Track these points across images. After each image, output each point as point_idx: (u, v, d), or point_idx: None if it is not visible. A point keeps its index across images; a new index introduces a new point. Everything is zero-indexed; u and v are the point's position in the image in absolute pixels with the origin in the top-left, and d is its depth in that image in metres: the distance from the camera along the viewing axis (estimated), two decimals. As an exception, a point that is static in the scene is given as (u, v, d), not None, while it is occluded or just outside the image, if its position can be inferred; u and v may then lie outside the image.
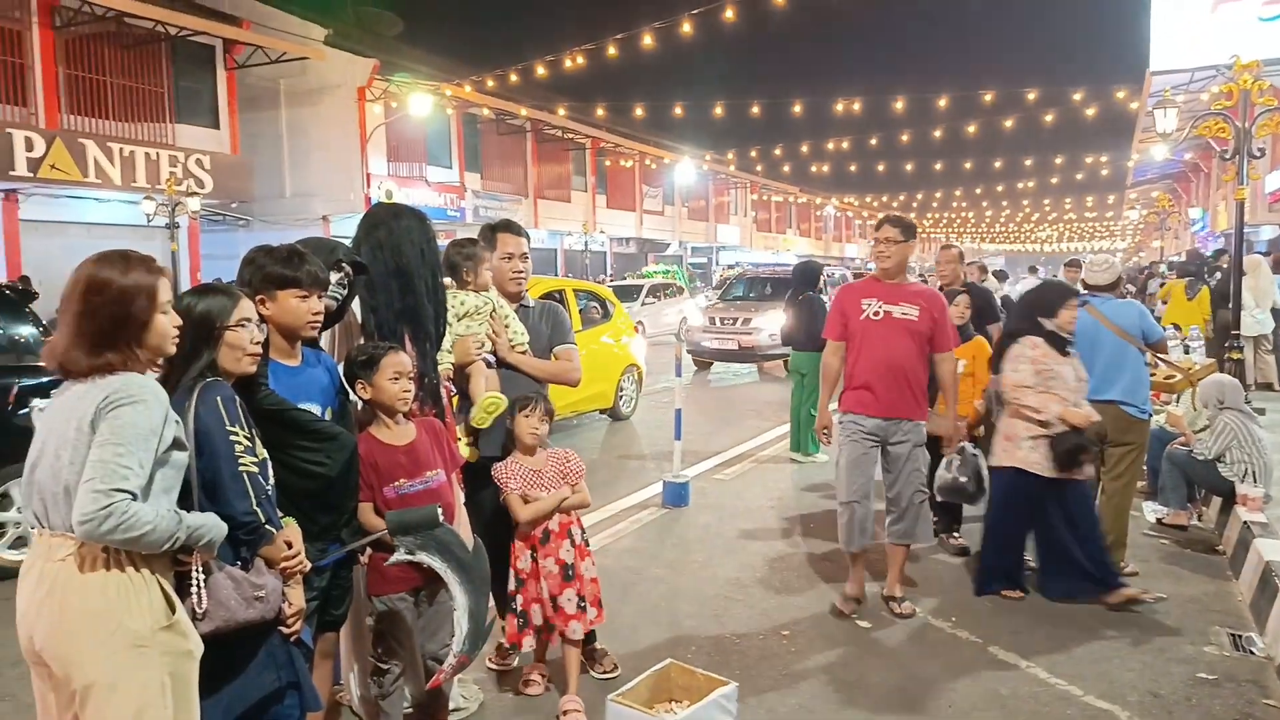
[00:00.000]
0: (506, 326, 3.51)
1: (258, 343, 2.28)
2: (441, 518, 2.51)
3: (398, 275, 3.05)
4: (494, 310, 3.47)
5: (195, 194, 18.12)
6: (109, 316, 1.91)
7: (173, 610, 1.93)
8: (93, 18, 17.23)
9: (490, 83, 21.85)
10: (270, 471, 2.22)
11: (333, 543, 2.57)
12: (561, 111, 26.32)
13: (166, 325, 2.00)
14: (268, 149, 23.22)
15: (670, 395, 11.07)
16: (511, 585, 3.40)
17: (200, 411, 2.05)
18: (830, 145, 30.25)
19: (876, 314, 4.30)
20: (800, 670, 3.79)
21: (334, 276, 2.82)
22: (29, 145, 16.07)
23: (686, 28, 17.13)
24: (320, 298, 2.61)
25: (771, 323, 13.64)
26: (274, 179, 23.21)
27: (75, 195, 17.58)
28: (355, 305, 3.08)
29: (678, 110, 24.09)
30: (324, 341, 2.96)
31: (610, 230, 35.35)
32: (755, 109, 23.84)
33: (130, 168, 17.73)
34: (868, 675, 3.74)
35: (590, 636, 3.68)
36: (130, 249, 2.04)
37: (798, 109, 23.54)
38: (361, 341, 3.01)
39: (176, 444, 1.94)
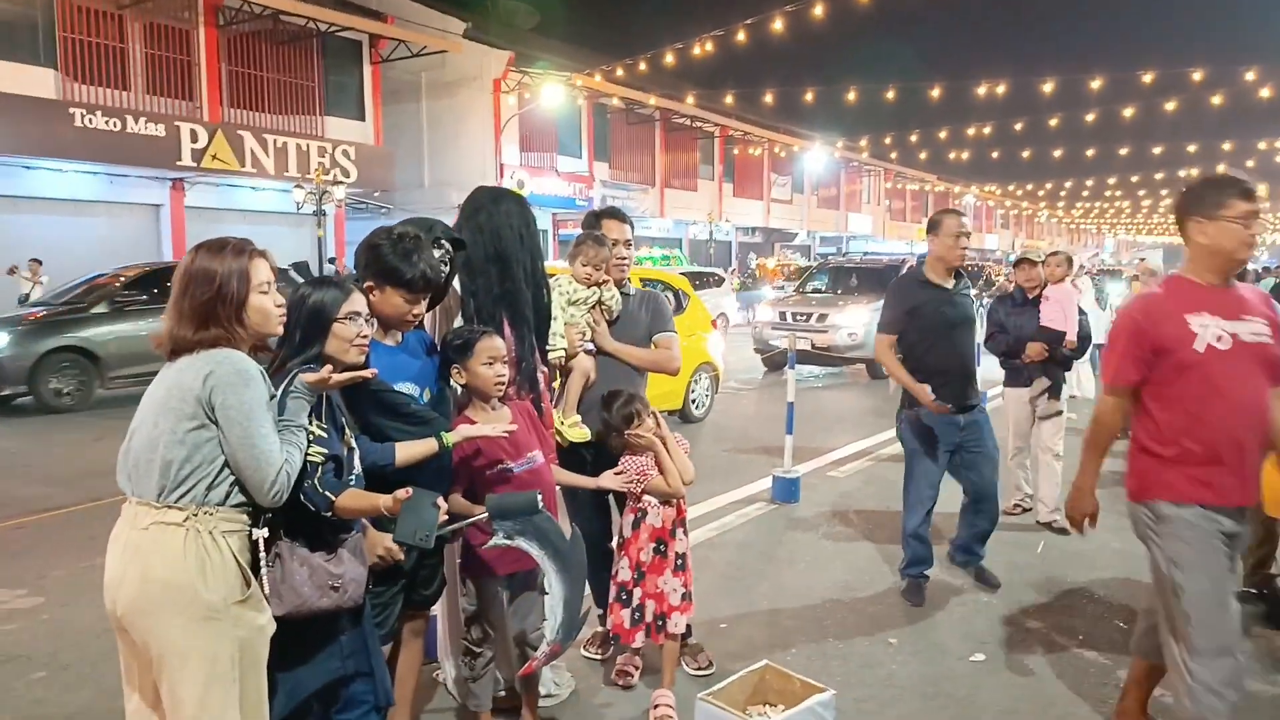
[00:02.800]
0: (607, 306, 3.50)
1: (365, 336, 2.34)
2: (541, 504, 2.50)
3: (497, 260, 3.07)
4: (599, 301, 3.47)
5: (340, 183, 19.06)
6: (207, 299, 2.00)
7: (248, 585, 2.00)
8: (252, 16, 18.36)
9: (620, 72, 21.96)
10: (355, 460, 2.26)
11: (424, 526, 2.61)
12: (690, 100, 26.21)
13: (266, 304, 2.08)
14: (408, 140, 24.20)
15: (743, 398, 11.20)
16: (626, 576, 3.34)
17: (284, 396, 2.11)
18: (970, 130, 28.92)
19: (1220, 339, 2.68)
20: (905, 682, 3.62)
21: (435, 254, 2.86)
22: (194, 137, 17.32)
23: (818, 10, 16.69)
24: (426, 299, 2.66)
25: (853, 320, 12.56)
26: (414, 169, 24.18)
27: (233, 184, 18.84)
28: (456, 285, 3.12)
29: (808, 96, 23.57)
30: (425, 322, 3.02)
31: (736, 219, 35.06)
32: (890, 93, 23.01)
33: (283, 158, 18.85)
34: (979, 693, 3.53)
35: (687, 630, 3.63)
36: (229, 236, 2.12)
37: (935, 92, 22.59)
38: (459, 324, 3.04)
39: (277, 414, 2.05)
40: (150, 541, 1.94)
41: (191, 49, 18.11)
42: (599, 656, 3.71)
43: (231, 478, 1.97)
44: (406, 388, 2.63)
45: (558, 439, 3.38)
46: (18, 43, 15.55)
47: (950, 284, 4.40)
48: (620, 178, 29.16)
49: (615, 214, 3.70)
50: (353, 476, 2.23)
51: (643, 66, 20.26)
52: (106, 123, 16.07)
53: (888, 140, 33.37)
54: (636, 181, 29.76)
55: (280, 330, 2.13)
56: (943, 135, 30.09)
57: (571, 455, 3.46)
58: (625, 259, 3.65)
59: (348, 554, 2.18)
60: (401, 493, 2.15)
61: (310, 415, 2.10)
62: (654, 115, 29.28)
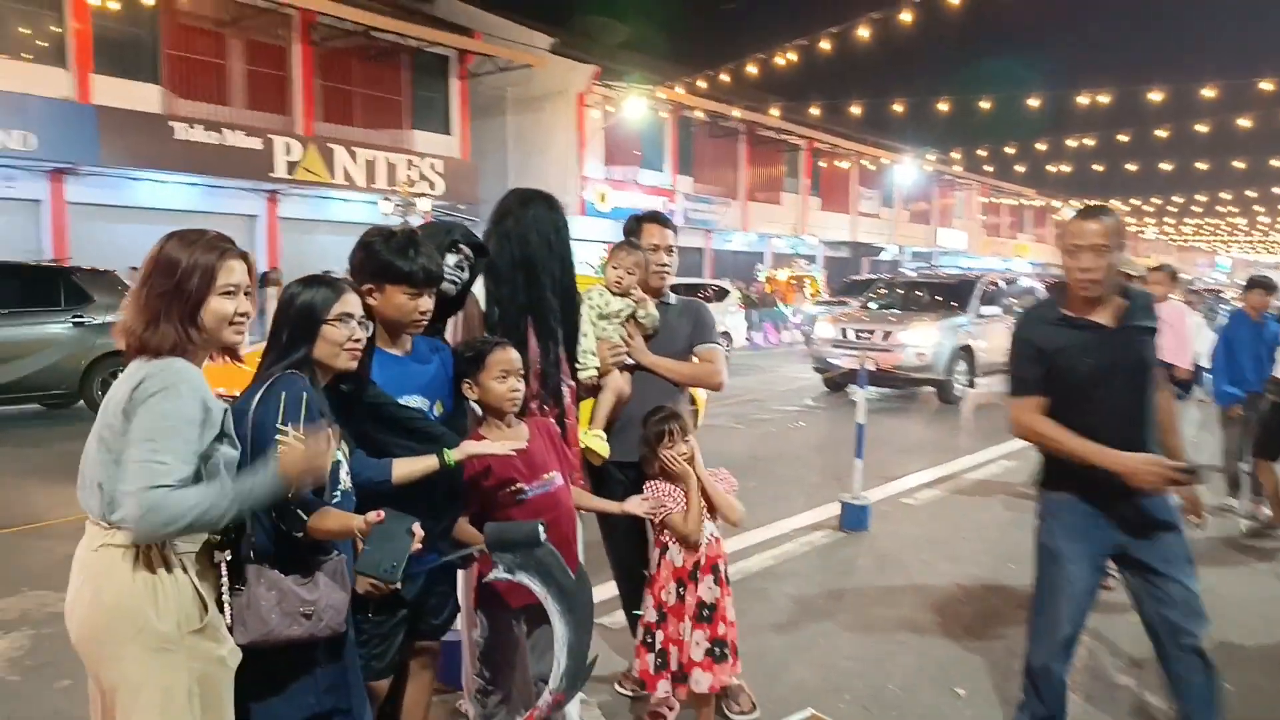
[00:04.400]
0: (645, 318, 3.25)
1: (358, 340, 2.15)
2: (544, 536, 2.27)
3: (523, 266, 2.87)
4: (634, 315, 3.22)
5: (425, 195, 19.38)
6: (163, 291, 1.83)
7: (206, 612, 1.82)
8: (344, 33, 18.90)
9: (702, 84, 21.72)
10: (342, 474, 2.07)
11: (430, 552, 2.41)
12: (775, 112, 25.80)
13: (224, 308, 1.88)
14: (493, 153, 24.52)
15: (803, 420, 10.47)
16: (651, 617, 3.05)
17: (259, 405, 1.94)
18: (1071, 142, 27.58)
19: None
20: (973, 739, 3.25)
21: (451, 259, 2.68)
22: (287, 150, 17.88)
23: (905, 17, 16.13)
24: (432, 295, 2.46)
25: (921, 339, 11.57)
26: (499, 182, 24.43)
27: (324, 196, 19.36)
28: (481, 293, 2.93)
29: (898, 107, 22.85)
30: (446, 333, 2.84)
31: (822, 233, 34.40)
32: (984, 103, 22.12)
33: (371, 171, 19.30)
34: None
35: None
36: (209, 228, 1.96)
37: (1034, 102, 21.61)
38: (484, 335, 2.84)
39: (226, 438, 1.83)
40: (100, 564, 1.78)
41: (286, 65, 18.74)
42: (631, 694, 3.45)
43: None
44: (414, 401, 2.44)
45: (587, 456, 3.15)
46: (126, 60, 16.33)
47: (1103, 316, 2.87)
48: (703, 190, 28.95)
49: (657, 218, 3.45)
50: (338, 493, 2.04)
51: (726, 78, 19.96)
52: (205, 135, 16.69)
53: (982, 152, 32.21)
54: (719, 194, 29.49)
55: (239, 340, 1.94)
56: (1042, 147, 28.82)
57: (608, 478, 3.23)
58: (666, 266, 3.40)
59: (325, 578, 1.97)
60: (373, 515, 1.93)
61: (291, 423, 1.91)
62: (738, 128, 28.97)
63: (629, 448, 3.14)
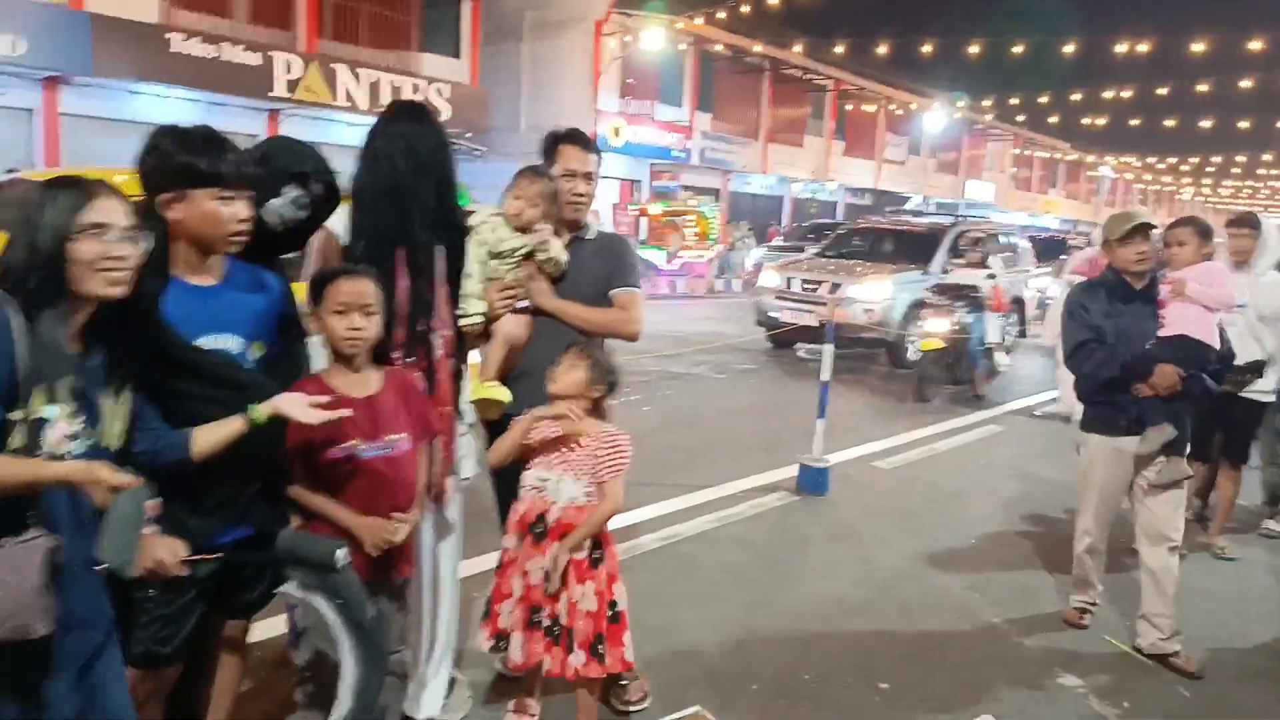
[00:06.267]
0: (546, 263, 2.86)
1: (118, 257, 1.72)
2: (342, 562, 1.95)
3: (392, 193, 2.51)
4: (533, 253, 2.83)
5: (428, 121, 18.81)
6: None
7: None
8: (351, -53, 18.15)
9: (720, 15, 20.77)
10: (47, 433, 1.66)
11: (234, 522, 2.10)
12: (798, 49, 24.80)
13: None
14: (508, 81, 23.77)
15: (751, 378, 9.63)
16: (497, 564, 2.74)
17: None
18: (1108, 94, 26.38)
19: None
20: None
21: (291, 193, 2.32)
22: (288, 68, 17.32)
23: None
24: (249, 204, 2.09)
25: (870, 294, 10.14)
26: (511, 111, 23.77)
27: (329, 118, 18.82)
28: (339, 230, 2.58)
29: (927, 49, 21.84)
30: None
31: (844, 179, 33.47)
32: (1019, 48, 21.10)
33: (375, 93, 18.68)
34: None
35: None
36: None
37: (1070, 48, 20.57)
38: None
39: None
40: None
41: (291, -23, 18.06)
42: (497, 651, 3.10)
43: None
44: (223, 341, 2.09)
45: (482, 410, 2.83)
46: (122, -35, 15.74)
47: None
48: (722, 129, 28.07)
49: (576, 138, 3.02)
50: (41, 456, 1.65)
51: (745, 9, 18.99)
52: (204, 48, 16.17)
53: (1015, 101, 31.01)
54: (738, 134, 28.60)
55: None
56: (1076, 98, 27.64)
57: (501, 430, 2.89)
58: (583, 196, 2.99)
59: (23, 554, 1.56)
60: (110, 473, 1.55)
61: None
62: (762, 65, 27.95)
63: (530, 399, 2.76)
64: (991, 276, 9.37)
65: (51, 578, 1.58)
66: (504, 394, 2.75)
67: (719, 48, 25.84)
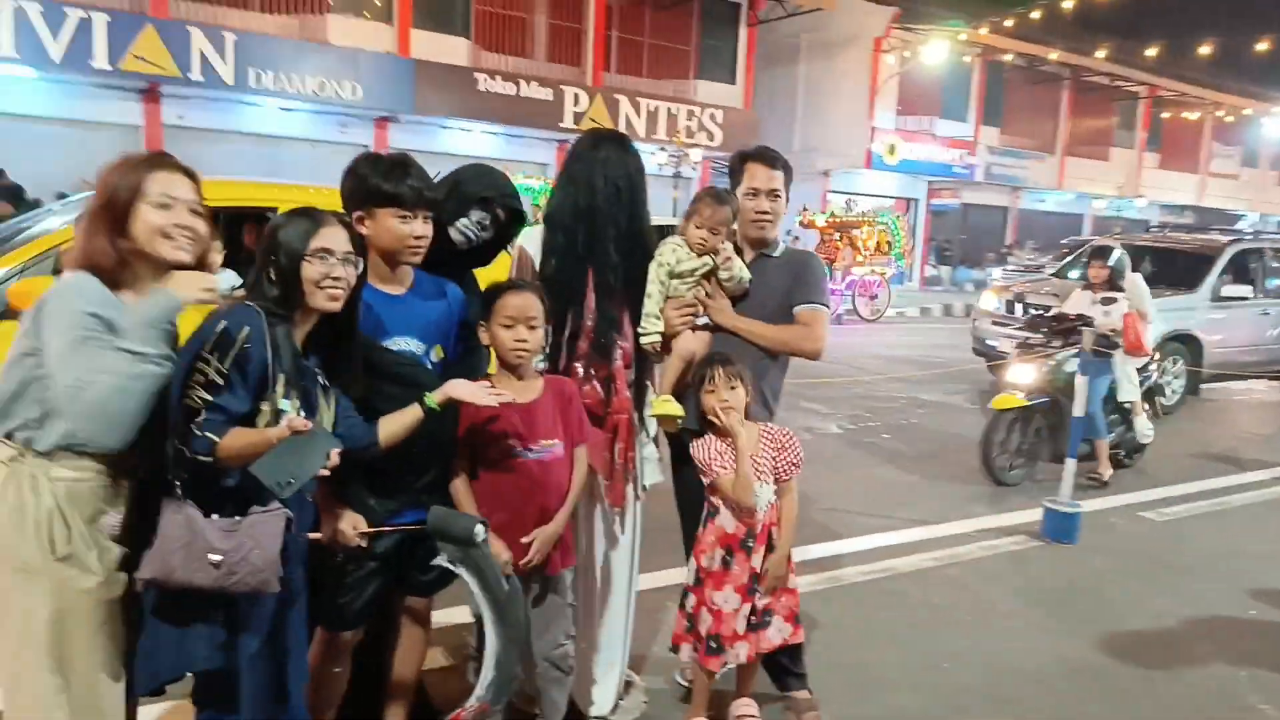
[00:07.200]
0: (729, 280, 2.88)
1: (337, 278, 2.05)
2: (481, 537, 2.11)
3: (586, 215, 2.66)
4: (713, 272, 2.87)
5: (697, 146, 19.44)
6: (96, 209, 1.88)
7: (70, 541, 1.83)
8: (636, -20, 19.26)
9: (1008, 23, 19.39)
10: (282, 421, 1.92)
11: (410, 506, 2.34)
12: (1101, 54, 22.59)
13: (153, 218, 1.89)
14: (782, 103, 23.97)
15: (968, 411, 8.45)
16: (690, 579, 2.84)
17: (195, 333, 1.92)
18: None
19: None
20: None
21: (475, 214, 2.55)
22: (576, 100, 18.72)
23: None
24: (426, 220, 2.33)
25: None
26: (784, 133, 23.87)
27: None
28: (533, 252, 2.77)
29: (1263, 46, 18.96)
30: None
31: (1157, 195, 29.92)
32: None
33: (654, 122, 19.70)
34: None
35: (795, 676, 2.98)
36: (154, 151, 2.00)
37: None
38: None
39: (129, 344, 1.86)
40: None
41: (582, 17, 19.49)
42: (688, 685, 3.19)
43: (63, 425, 1.81)
44: (406, 343, 2.35)
45: (663, 425, 2.91)
46: (441, 15, 17.86)
47: None
48: (1011, 143, 26.25)
49: (763, 156, 3.00)
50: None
51: (1035, 15, 17.59)
52: (504, 86, 17.91)
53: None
54: (1030, 148, 26.59)
55: (178, 255, 1.93)
56: None
57: (680, 444, 2.96)
58: (767, 213, 2.97)
59: (251, 530, 1.90)
60: (300, 422, 1.84)
61: (213, 360, 1.87)
62: (1061, 74, 25.81)
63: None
64: (1109, 301, 6.25)
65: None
66: (677, 409, 2.81)
67: (1009, 57, 24.23)
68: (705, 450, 2.72)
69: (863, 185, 24.13)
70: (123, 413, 1.85)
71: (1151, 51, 20.74)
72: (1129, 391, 6.28)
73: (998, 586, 4.36)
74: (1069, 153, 27.67)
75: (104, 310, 1.83)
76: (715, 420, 2.67)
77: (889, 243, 18.04)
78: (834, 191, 23.34)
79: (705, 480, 2.75)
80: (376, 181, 2.26)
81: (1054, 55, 23.03)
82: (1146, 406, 6.76)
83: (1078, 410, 5.16)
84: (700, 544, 2.79)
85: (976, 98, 25.67)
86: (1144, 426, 6.47)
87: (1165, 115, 29.10)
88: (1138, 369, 6.44)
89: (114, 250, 1.86)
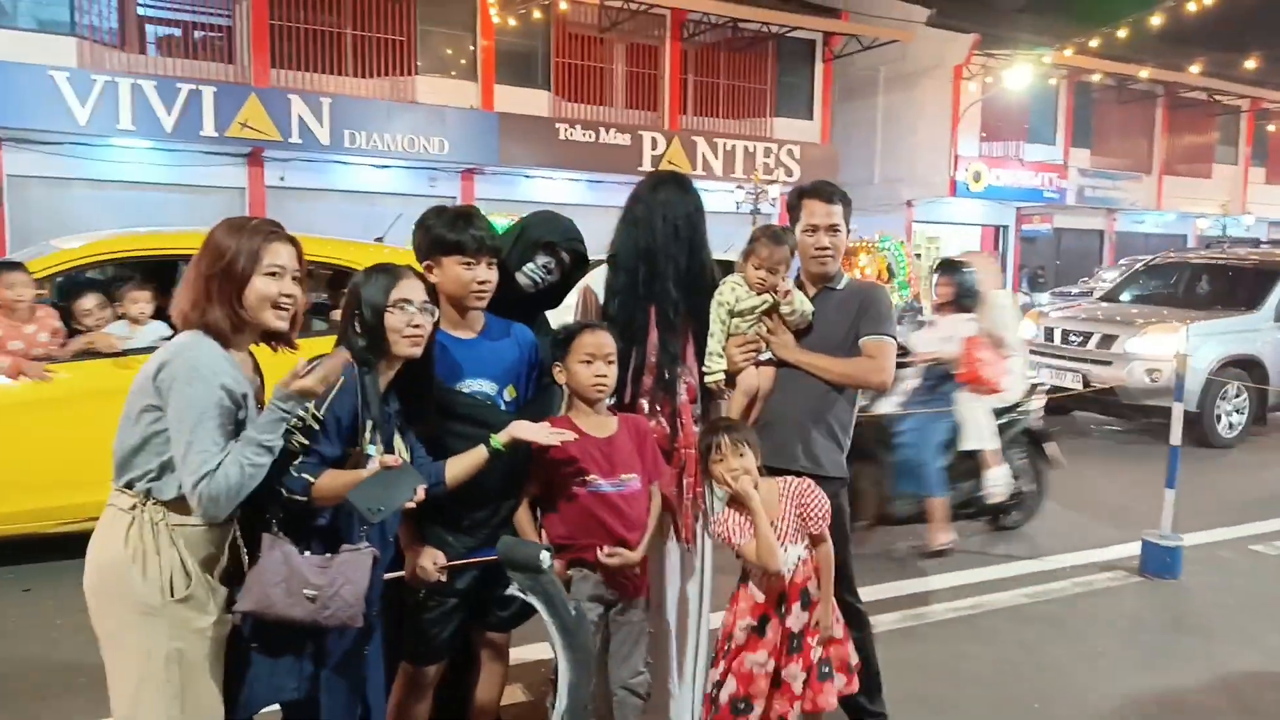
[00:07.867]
0: (791, 315, 2.90)
1: (418, 325, 2.17)
2: (547, 563, 2.17)
3: (647, 255, 2.75)
4: (775, 308, 2.90)
5: (775, 182, 19.48)
6: (211, 273, 1.97)
7: (189, 583, 1.93)
8: (711, 26, 19.59)
9: (1094, 43, 18.81)
10: (369, 465, 2.08)
11: (487, 543, 2.43)
12: (1195, 69, 21.75)
13: (267, 289, 1.98)
14: (862, 136, 23.83)
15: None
16: (720, 644, 2.73)
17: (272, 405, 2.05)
18: None
19: None
20: None
21: (540, 259, 2.66)
22: (654, 144, 19.05)
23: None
24: (491, 267, 2.44)
25: (1157, 349, 7.80)
26: (865, 166, 23.72)
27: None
28: (598, 289, 2.86)
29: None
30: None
31: (1265, 212, 28.42)
32: None
33: (731, 161, 19.88)
34: None
35: (873, 716, 2.94)
36: (257, 216, 2.15)
37: None
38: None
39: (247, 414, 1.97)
40: (105, 521, 1.94)
41: (658, 63, 19.89)
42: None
43: (179, 481, 1.91)
44: (479, 385, 2.46)
45: None
46: (522, 70, 18.52)
47: None
48: (1104, 165, 25.38)
49: (820, 191, 3.00)
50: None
51: (1122, 34, 16.98)
52: (584, 135, 18.38)
53: None
54: (1125, 168, 25.65)
55: (280, 325, 2.05)
56: None
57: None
58: (827, 249, 2.98)
59: (343, 566, 2.01)
60: (391, 459, 1.97)
61: (310, 407, 2.00)
62: (1154, 91, 24.93)
63: (773, 450, 2.80)
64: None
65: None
66: None
67: (1097, 77, 23.57)
68: (724, 525, 2.61)
69: (948, 214, 23.70)
70: (242, 495, 1.92)
71: (1251, 64, 19.82)
72: (976, 438, 4.95)
73: (1093, 624, 4.19)
74: (1167, 171, 26.60)
75: (236, 387, 1.95)
76: (726, 489, 2.59)
77: (890, 269, 16.65)
78: (919, 221, 22.99)
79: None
80: (441, 231, 2.40)
81: (1144, 73, 22.29)
82: (1034, 454, 5.49)
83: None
84: (732, 606, 2.69)
85: (1064, 120, 25.01)
86: (995, 481, 5.02)
87: (1271, 128, 27.76)
88: (1003, 409, 5.20)
89: (236, 318, 1.97)
